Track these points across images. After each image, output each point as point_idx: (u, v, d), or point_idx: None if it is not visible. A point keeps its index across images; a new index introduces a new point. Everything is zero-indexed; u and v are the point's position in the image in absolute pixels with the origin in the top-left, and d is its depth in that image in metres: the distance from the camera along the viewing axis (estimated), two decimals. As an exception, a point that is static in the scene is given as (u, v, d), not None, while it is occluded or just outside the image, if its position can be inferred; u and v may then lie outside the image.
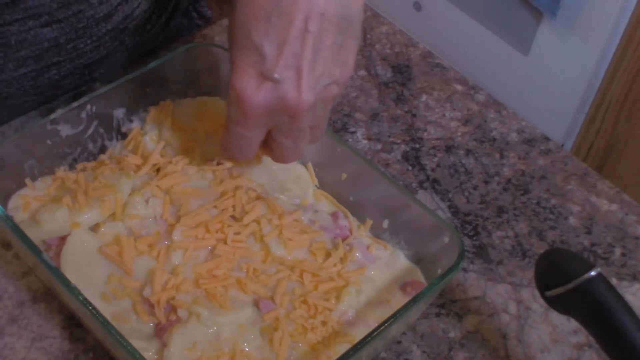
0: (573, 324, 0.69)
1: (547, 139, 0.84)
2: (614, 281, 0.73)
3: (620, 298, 0.56)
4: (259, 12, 0.57)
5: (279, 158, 0.66)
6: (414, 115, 0.84)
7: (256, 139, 0.63)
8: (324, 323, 0.64)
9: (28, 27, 0.73)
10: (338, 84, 0.60)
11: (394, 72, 0.88)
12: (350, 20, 0.59)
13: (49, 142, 0.69)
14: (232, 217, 0.69)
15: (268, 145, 0.65)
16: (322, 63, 0.58)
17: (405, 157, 0.81)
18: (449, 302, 0.70)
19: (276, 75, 0.57)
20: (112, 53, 0.80)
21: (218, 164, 0.71)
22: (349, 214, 0.71)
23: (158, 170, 0.71)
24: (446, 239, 0.65)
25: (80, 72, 0.79)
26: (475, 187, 0.79)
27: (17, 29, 0.72)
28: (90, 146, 0.72)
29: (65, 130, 0.69)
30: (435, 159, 0.81)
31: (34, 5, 0.72)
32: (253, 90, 0.58)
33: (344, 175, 0.71)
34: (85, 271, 0.64)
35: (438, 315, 0.70)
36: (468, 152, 0.82)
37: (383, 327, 0.59)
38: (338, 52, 0.59)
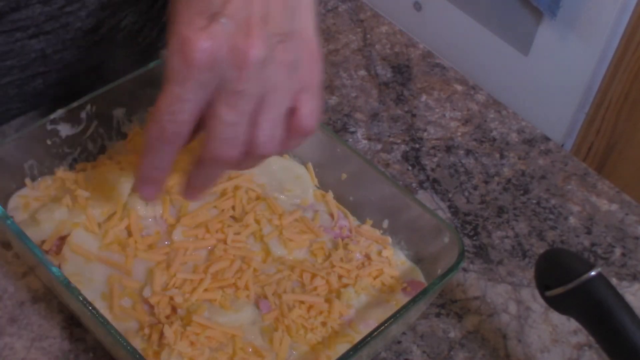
0: (573, 324, 0.69)
1: (547, 139, 0.84)
2: (614, 281, 0.73)
3: (620, 298, 0.56)
4: None
5: (212, 148, 0.55)
6: (414, 115, 0.84)
7: (194, 105, 0.54)
8: (323, 323, 0.64)
9: (15, 39, 0.73)
10: (294, 47, 0.55)
11: (394, 72, 0.88)
12: None
13: (49, 142, 0.69)
14: (232, 217, 0.69)
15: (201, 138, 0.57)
16: (274, 18, 0.54)
17: (405, 157, 0.81)
18: (449, 302, 0.70)
19: (223, 20, 0.53)
20: (100, 65, 0.80)
21: None
22: (349, 214, 0.71)
23: (158, 170, 0.71)
24: (446, 239, 0.65)
25: (67, 83, 0.79)
26: (475, 187, 0.79)
27: (4, 40, 0.72)
28: (90, 146, 0.72)
29: (65, 130, 0.69)
30: (435, 159, 0.81)
31: (21, 17, 0.72)
32: (199, 34, 0.52)
33: (344, 175, 0.71)
34: (85, 271, 0.64)
35: (438, 315, 0.70)
36: (468, 152, 0.82)
37: (383, 327, 0.59)
38: (292, 15, 0.55)
